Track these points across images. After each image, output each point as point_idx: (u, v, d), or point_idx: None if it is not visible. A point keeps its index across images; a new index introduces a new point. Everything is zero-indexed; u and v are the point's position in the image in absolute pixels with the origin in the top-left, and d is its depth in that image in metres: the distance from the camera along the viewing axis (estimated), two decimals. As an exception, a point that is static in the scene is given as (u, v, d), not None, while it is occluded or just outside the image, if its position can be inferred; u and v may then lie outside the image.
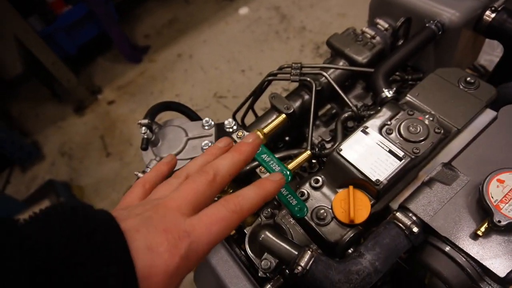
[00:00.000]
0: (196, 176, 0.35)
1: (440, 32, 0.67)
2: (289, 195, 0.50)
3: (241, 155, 0.38)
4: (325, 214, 0.55)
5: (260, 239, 0.54)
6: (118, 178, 1.93)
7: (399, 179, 0.55)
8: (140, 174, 0.66)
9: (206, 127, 0.70)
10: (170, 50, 2.33)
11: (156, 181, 0.39)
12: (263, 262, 0.52)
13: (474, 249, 0.46)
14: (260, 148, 0.51)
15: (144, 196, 0.37)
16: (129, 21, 2.53)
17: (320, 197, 0.57)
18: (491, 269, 0.45)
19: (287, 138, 0.81)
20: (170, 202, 0.32)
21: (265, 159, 0.49)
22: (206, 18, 2.43)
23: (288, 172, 0.48)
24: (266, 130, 0.59)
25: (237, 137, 0.54)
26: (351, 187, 0.55)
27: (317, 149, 0.67)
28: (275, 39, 2.20)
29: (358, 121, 0.68)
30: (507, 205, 0.45)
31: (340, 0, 2.25)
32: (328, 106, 0.84)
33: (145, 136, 0.67)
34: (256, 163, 0.63)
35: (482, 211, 0.47)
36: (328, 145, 0.70)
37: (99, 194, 1.96)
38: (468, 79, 0.61)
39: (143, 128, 0.67)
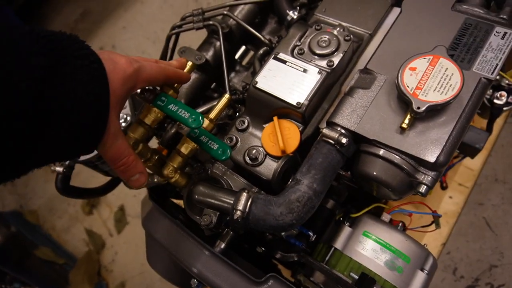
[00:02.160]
0: None
1: None
2: (209, 141, 0.47)
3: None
4: (257, 153, 0.52)
5: (195, 196, 0.50)
6: (71, 190, 1.82)
7: (322, 97, 0.53)
8: (57, 168, 0.60)
9: (119, 100, 0.64)
10: (90, 44, 2.16)
11: None
12: (203, 219, 0.49)
13: (403, 143, 0.45)
14: (166, 99, 0.46)
15: None
16: (36, 22, 2.31)
17: (249, 137, 0.54)
18: (422, 157, 0.44)
19: (215, 95, 0.76)
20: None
21: (173, 109, 0.45)
22: (120, 2, 2.26)
23: (200, 116, 0.44)
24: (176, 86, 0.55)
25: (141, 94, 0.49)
26: (275, 118, 0.52)
27: (239, 94, 0.64)
28: (196, 8, 2.09)
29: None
30: (422, 90, 0.43)
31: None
32: (251, 54, 0.80)
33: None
34: (177, 123, 0.58)
35: (403, 104, 0.46)
36: (251, 87, 0.66)
37: (56, 212, 1.84)
38: (370, -19, 0.59)
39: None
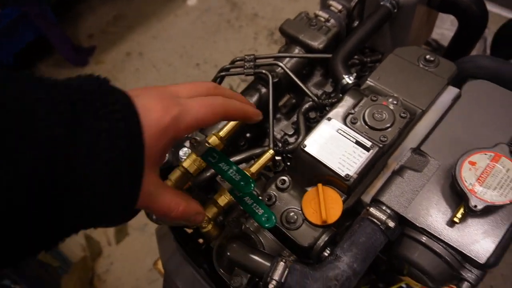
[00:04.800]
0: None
1: (395, 10, 0.64)
2: (254, 204, 0.45)
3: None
4: (295, 217, 0.51)
5: (228, 253, 0.49)
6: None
7: (369, 170, 0.52)
8: None
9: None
10: (118, 49, 2.18)
11: None
12: (233, 280, 0.47)
13: (452, 237, 0.44)
14: (217, 157, 0.46)
15: None
16: (70, 21, 2.34)
17: (289, 198, 0.53)
18: (471, 256, 0.43)
19: (248, 135, 0.76)
20: (171, 87, 0.37)
21: (223, 168, 0.44)
22: (154, 12, 2.30)
23: (250, 180, 0.43)
24: (222, 133, 0.54)
25: (190, 143, 0.49)
26: (320, 185, 0.51)
27: (280, 145, 0.63)
28: (227, 28, 2.12)
29: (320, 111, 0.64)
30: (481, 187, 0.42)
31: (290, -17, 2.20)
32: (287, 96, 0.80)
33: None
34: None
35: (457, 196, 0.45)
36: (291, 139, 0.65)
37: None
38: (428, 57, 0.58)
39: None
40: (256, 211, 0.45)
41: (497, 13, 1.78)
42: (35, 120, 0.25)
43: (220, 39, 2.09)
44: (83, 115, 0.27)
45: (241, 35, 2.09)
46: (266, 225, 0.44)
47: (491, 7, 1.74)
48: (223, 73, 0.65)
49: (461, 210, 0.43)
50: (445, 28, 1.32)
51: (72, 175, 0.26)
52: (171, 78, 1.99)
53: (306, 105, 0.64)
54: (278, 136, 0.69)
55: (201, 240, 0.74)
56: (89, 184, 0.27)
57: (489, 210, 0.43)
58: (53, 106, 0.26)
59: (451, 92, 0.57)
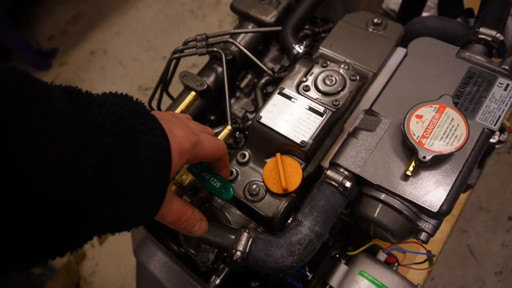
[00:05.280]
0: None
1: (341, -23, 0.65)
2: (212, 178, 0.45)
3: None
4: (257, 188, 0.51)
5: (193, 231, 0.49)
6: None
7: (325, 135, 0.53)
8: None
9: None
10: (81, 48, 2.12)
11: None
12: (200, 256, 0.48)
13: (407, 190, 0.45)
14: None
15: None
16: (27, 24, 2.25)
17: (250, 172, 0.53)
18: (425, 206, 0.44)
19: (212, 118, 0.75)
20: (188, 120, 0.44)
21: (205, 177, 0.46)
22: (114, 7, 2.23)
23: (231, 189, 0.45)
24: (177, 112, 0.54)
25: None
26: (278, 155, 0.51)
27: (240, 122, 0.63)
28: (191, 18, 2.09)
29: (277, 84, 0.64)
30: (428, 139, 0.44)
31: (250, -33, 2.17)
32: (250, 77, 0.79)
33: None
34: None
35: (408, 150, 0.46)
36: (251, 116, 0.65)
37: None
38: (375, 20, 0.59)
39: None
40: (214, 184, 0.45)
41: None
42: (89, 132, 0.28)
43: (184, 29, 2.06)
44: (128, 128, 0.31)
45: (205, 24, 2.06)
46: (225, 197, 0.44)
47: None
48: (177, 55, 0.65)
49: (413, 163, 0.45)
50: (402, -2, 1.34)
51: (112, 179, 0.29)
52: (138, 73, 1.95)
53: (263, 80, 0.65)
54: (240, 115, 0.69)
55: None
56: (127, 188, 0.30)
57: (438, 160, 0.45)
58: (106, 119, 0.30)
59: (400, 53, 0.58)
